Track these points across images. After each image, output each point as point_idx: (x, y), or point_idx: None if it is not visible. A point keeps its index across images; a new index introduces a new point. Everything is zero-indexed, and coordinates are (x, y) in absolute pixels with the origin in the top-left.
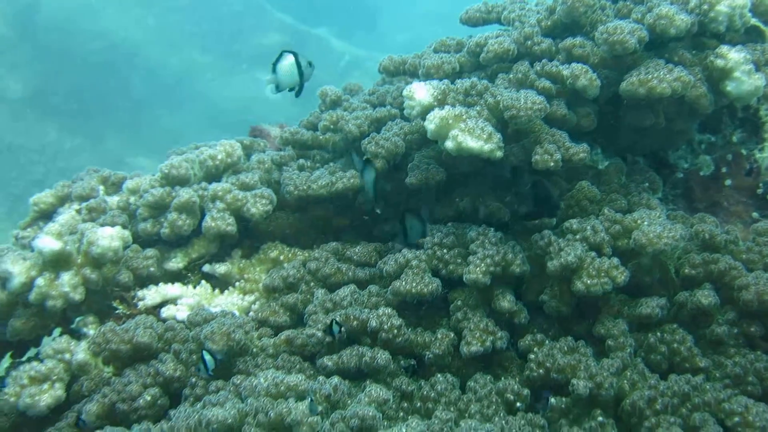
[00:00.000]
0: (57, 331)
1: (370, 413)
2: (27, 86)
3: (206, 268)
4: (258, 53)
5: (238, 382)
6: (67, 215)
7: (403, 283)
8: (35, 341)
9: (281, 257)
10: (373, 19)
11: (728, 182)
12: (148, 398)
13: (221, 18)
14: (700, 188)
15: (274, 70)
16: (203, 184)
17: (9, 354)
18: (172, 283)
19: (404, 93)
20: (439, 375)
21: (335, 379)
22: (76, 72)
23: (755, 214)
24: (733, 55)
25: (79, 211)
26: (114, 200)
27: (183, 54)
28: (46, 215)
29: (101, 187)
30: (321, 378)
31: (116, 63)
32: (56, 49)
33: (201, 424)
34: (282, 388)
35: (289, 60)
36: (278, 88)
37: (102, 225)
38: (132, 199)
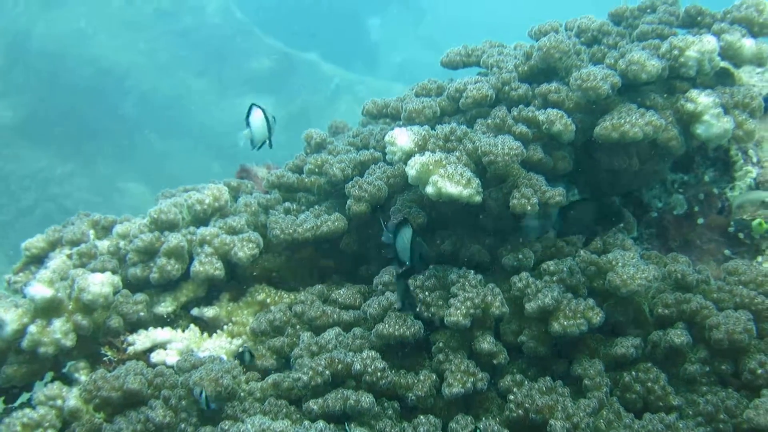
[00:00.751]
0: (49, 375)
1: None
2: (18, 112)
3: (195, 311)
4: (249, 77)
5: (226, 428)
6: (58, 260)
7: (387, 326)
8: (27, 386)
9: (268, 300)
10: (375, 51)
11: (701, 221)
12: None
13: (212, 43)
14: (673, 227)
15: (248, 125)
16: (191, 228)
17: (1, 399)
18: (162, 327)
19: (386, 139)
20: (421, 417)
21: (320, 424)
22: (68, 97)
23: (727, 252)
24: (702, 99)
25: (70, 257)
26: (104, 245)
27: (174, 78)
28: (38, 259)
29: (92, 232)
30: (306, 423)
31: (107, 88)
32: (47, 75)
33: None
34: None
35: (259, 114)
36: (253, 143)
37: (93, 270)
38: (122, 244)
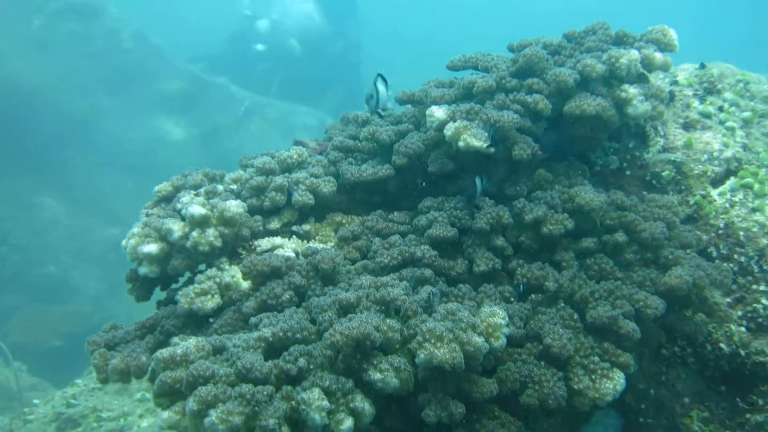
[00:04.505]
0: (187, 274)
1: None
2: None
3: (294, 228)
4: (161, 98)
5: (344, 286)
6: (188, 197)
7: (433, 230)
8: (174, 279)
9: (344, 221)
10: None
11: (628, 173)
12: (288, 296)
13: (125, 65)
14: (611, 177)
15: (376, 89)
16: (286, 174)
17: (158, 287)
18: (275, 236)
19: (427, 112)
20: (461, 285)
21: (404, 283)
22: None
23: (645, 193)
24: (631, 91)
25: (197, 194)
26: (220, 187)
27: (88, 98)
28: (166, 199)
29: (205, 179)
30: (397, 281)
31: (21, 107)
32: None
33: (335, 302)
34: (379, 284)
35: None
36: (378, 103)
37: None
38: (233, 186)
